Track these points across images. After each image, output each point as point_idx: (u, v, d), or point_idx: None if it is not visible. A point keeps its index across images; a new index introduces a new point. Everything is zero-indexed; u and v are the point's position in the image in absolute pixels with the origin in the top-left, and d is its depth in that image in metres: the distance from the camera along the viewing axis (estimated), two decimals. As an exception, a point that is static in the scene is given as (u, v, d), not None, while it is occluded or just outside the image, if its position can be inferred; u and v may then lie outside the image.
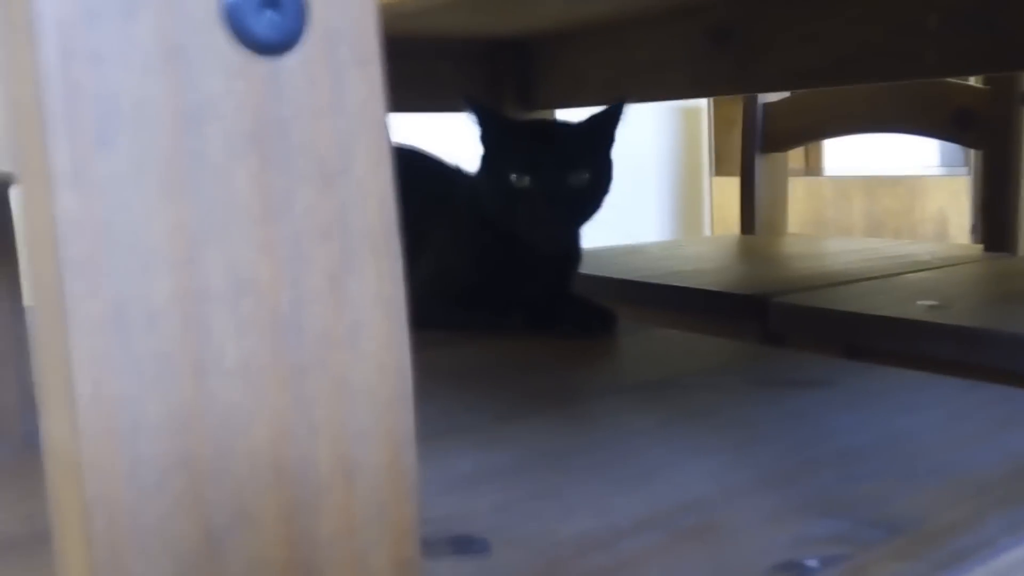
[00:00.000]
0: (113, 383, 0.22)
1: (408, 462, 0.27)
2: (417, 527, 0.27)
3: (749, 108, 1.78)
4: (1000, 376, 0.86)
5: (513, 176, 0.87)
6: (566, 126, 0.93)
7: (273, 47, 0.22)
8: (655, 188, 2.76)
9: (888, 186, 2.50)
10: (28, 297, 0.58)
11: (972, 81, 1.63)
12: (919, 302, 1.04)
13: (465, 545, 0.44)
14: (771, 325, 1.06)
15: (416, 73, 1.45)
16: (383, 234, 0.25)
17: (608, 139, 0.92)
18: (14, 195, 0.42)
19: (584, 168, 0.88)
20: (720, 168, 2.76)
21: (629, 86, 1.43)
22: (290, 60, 0.23)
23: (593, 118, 0.91)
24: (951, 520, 0.45)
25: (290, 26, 0.22)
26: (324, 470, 0.25)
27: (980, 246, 1.49)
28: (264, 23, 0.22)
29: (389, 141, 0.25)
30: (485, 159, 0.92)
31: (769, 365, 0.79)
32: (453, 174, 0.99)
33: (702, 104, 2.81)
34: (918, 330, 0.94)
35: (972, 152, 2.21)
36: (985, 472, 0.51)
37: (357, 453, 0.25)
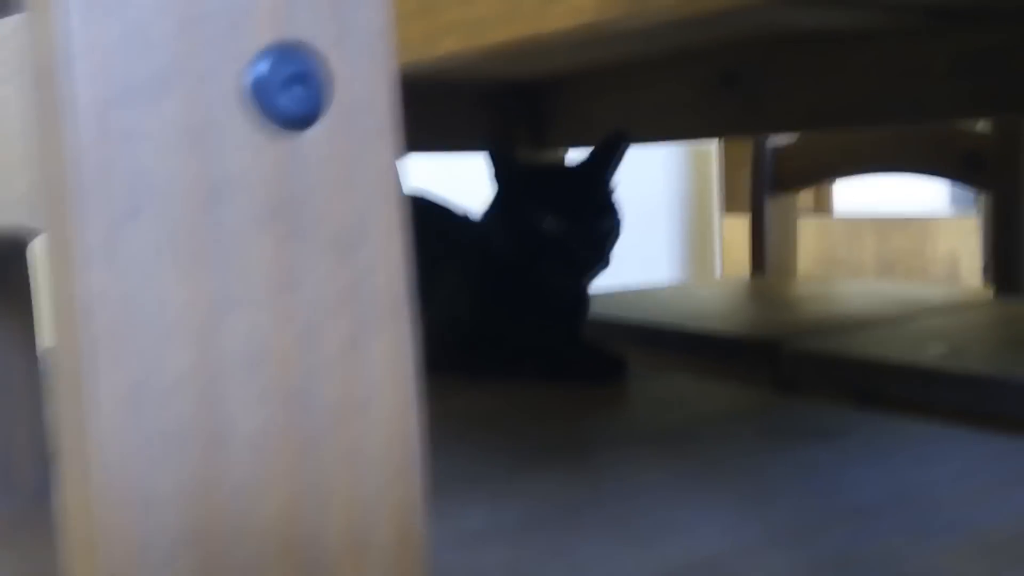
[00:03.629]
0: (129, 456, 0.22)
1: (417, 534, 0.26)
2: (429, 599, 0.27)
3: (759, 150, 1.79)
4: (1014, 424, 0.86)
5: (546, 221, 0.87)
6: (583, 169, 0.93)
7: (297, 121, 0.23)
8: (665, 228, 2.77)
9: (899, 227, 2.49)
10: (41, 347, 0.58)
11: (980, 125, 1.64)
12: (931, 348, 1.03)
13: (475, 603, 0.43)
14: (783, 370, 1.06)
15: (426, 114, 1.46)
16: (396, 304, 0.25)
17: (613, 175, 0.92)
18: (38, 267, 0.43)
19: (611, 213, 0.89)
20: (729, 206, 2.76)
21: (638, 128, 1.43)
22: (312, 133, 0.23)
23: (600, 158, 0.91)
24: (967, 582, 0.44)
25: (315, 100, 0.23)
26: (333, 543, 0.25)
27: (991, 289, 1.49)
28: (289, 98, 0.22)
29: (403, 211, 0.25)
30: (503, 203, 0.92)
31: (782, 414, 0.79)
32: (462, 220, 0.99)
33: (711, 145, 2.82)
34: (931, 378, 0.93)
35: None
36: (1000, 529, 0.51)
37: (367, 525, 0.25)
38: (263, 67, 0.22)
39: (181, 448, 0.22)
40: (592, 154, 0.92)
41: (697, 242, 2.86)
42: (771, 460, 0.65)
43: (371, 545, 0.26)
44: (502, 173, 0.91)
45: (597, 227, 0.88)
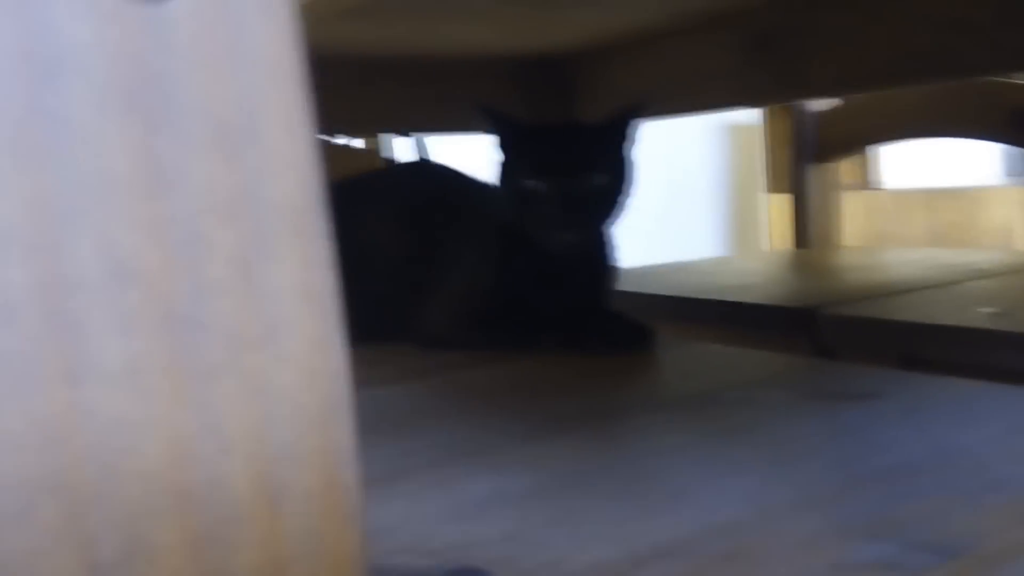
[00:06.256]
0: (-36, 391, 0.18)
1: (347, 482, 0.23)
2: (361, 559, 0.23)
3: (798, 118, 1.73)
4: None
5: (528, 181, 0.83)
6: (582, 127, 0.89)
7: (147, -16, 0.19)
8: (709, 208, 2.71)
9: (949, 198, 2.41)
10: None
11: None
12: (979, 309, 0.97)
13: (466, 578, 0.40)
14: (821, 338, 1.01)
15: (455, 93, 1.43)
16: (304, 211, 0.21)
17: (624, 138, 0.87)
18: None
19: (601, 170, 0.84)
20: (775, 185, 2.69)
21: (671, 99, 1.38)
22: (177, 2, 0.19)
23: (610, 118, 0.87)
24: (1010, 542, 0.39)
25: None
26: (241, 494, 0.21)
27: (1047, 252, 1.42)
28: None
29: (305, 99, 0.21)
30: (502, 166, 0.88)
31: (817, 378, 0.74)
32: (479, 188, 0.95)
33: (755, 121, 2.76)
34: (978, 338, 0.88)
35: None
36: (1052, 488, 0.46)
37: (282, 473, 0.22)
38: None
39: (28, 378, 0.19)
40: (608, 117, 0.88)
41: (742, 220, 2.79)
42: (802, 423, 0.60)
43: (290, 496, 0.22)
44: (499, 134, 0.88)
45: (579, 185, 0.83)
